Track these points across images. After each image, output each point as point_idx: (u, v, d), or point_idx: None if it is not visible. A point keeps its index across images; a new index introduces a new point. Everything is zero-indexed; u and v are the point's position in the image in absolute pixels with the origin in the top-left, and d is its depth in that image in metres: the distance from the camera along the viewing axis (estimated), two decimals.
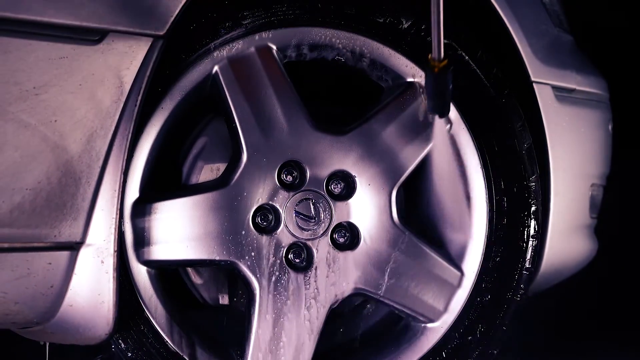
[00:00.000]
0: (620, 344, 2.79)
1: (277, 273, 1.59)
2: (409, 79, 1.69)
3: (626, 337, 2.90)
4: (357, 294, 1.65)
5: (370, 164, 1.64)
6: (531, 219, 1.75)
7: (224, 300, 1.76)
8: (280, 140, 1.59)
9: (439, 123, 1.68)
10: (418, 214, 1.79)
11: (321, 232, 1.61)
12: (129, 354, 1.54)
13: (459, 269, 1.71)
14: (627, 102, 2.92)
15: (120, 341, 1.53)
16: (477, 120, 1.72)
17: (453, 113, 1.71)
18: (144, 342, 1.54)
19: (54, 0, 1.33)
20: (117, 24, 1.38)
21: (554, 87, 1.84)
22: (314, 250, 1.61)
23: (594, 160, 1.99)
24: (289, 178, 1.60)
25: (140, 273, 1.54)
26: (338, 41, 1.65)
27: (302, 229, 1.60)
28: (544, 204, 1.78)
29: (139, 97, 1.40)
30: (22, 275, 1.34)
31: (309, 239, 1.61)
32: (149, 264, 1.54)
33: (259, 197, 1.58)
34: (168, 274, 1.65)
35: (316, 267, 1.61)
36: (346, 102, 1.86)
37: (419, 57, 1.68)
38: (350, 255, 1.63)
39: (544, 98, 1.81)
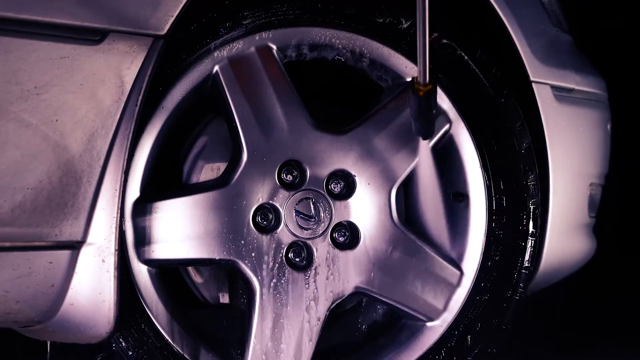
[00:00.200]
0: (620, 344, 2.79)
1: (277, 272, 1.59)
2: (409, 79, 1.69)
3: (626, 337, 2.90)
4: (357, 292, 1.65)
5: (370, 164, 1.65)
6: (530, 218, 1.76)
7: (225, 299, 1.76)
8: (281, 140, 1.60)
9: (438, 123, 1.68)
10: (418, 213, 1.79)
11: (321, 231, 1.62)
12: (130, 353, 1.54)
13: (459, 268, 1.72)
14: (627, 101, 2.93)
15: (121, 340, 1.53)
16: (476, 119, 1.73)
17: (452, 112, 1.71)
18: (145, 341, 1.55)
19: (55, 0, 1.33)
20: (118, 24, 1.38)
21: (553, 87, 1.84)
22: (314, 250, 1.61)
23: (592, 160, 2.00)
24: (289, 177, 1.60)
25: (141, 272, 1.54)
26: (338, 41, 1.66)
27: (302, 228, 1.61)
28: (543, 203, 1.79)
29: (140, 97, 1.40)
30: (23, 274, 1.34)
31: (309, 238, 1.61)
32: (149, 263, 1.54)
33: (259, 196, 1.59)
34: (169, 273, 1.65)
35: (316, 266, 1.62)
36: (346, 101, 1.87)
37: None
38: (350, 254, 1.63)
39: (543, 98, 1.81)
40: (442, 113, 1.69)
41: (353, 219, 1.64)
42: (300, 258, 1.61)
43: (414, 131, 1.59)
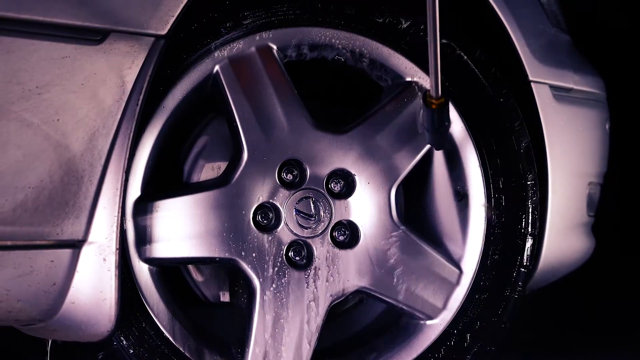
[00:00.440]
0: (620, 344, 2.79)
1: (277, 271, 1.60)
2: (408, 79, 1.70)
3: (626, 336, 2.90)
4: (357, 291, 1.65)
5: (369, 163, 1.65)
6: (529, 217, 1.76)
7: (225, 297, 1.76)
8: (281, 139, 1.60)
9: None
10: (417, 212, 1.80)
11: (321, 230, 1.62)
12: (131, 351, 1.54)
13: (458, 266, 1.72)
14: (625, 101, 2.93)
15: (122, 338, 1.53)
16: (475, 119, 1.73)
17: (452, 112, 1.72)
18: (146, 339, 1.55)
19: (56, 0, 1.34)
20: (119, 24, 1.38)
21: (552, 87, 1.85)
22: (314, 248, 1.62)
23: (591, 159, 2.00)
24: (289, 177, 1.61)
25: (142, 271, 1.54)
26: (338, 41, 1.66)
27: (303, 227, 1.61)
28: (542, 202, 1.79)
29: (141, 97, 1.40)
30: (24, 272, 1.34)
31: (309, 237, 1.62)
32: (150, 261, 1.54)
33: (260, 195, 1.59)
34: (169, 272, 1.65)
35: (316, 265, 1.62)
36: (346, 101, 1.87)
37: (418, 57, 1.69)
38: (350, 253, 1.64)
39: (542, 97, 1.81)
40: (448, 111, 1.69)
41: (353, 218, 1.65)
42: (300, 257, 1.61)
43: (427, 141, 1.61)
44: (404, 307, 1.69)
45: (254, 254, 1.58)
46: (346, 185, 1.64)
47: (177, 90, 1.55)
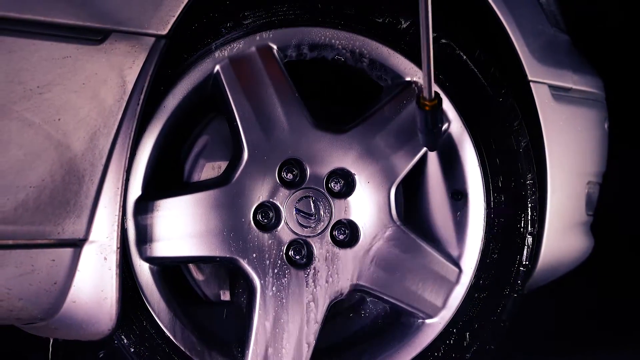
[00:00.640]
0: (620, 344, 2.79)
1: (277, 270, 1.60)
2: (408, 79, 1.70)
3: (626, 336, 2.91)
4: (356, 290, 1.66)
5: (369, 162, 1.66)
6: (528, 217, 1.77)
7: (225, 296, 1.76)
8: (281, 139, 1.61)
9: None
10: (417, 211, 1.80)
11: (321, 229, 1.63)
12: (132, 349, 1.55)
13: (457, 265, 1.73)
14: (624, 100, 2.94)
15: (123, 336, 1.54)
16: (475, 119, 1.73)
17: (451, 112, 1.72)
18: (147, 338, 1.55)
19: (57, 0, 1.34)
20: (120, 24, 1.38)
21: (551, 86, 1.85)
22: (314, 247, 1.62)
23: (590, 158, 2.01)
24: (290, 176, 1.61)
25: (143, 270, 1.54)
26: (338, 41, 1.66)
27: (303, 226, 1.62)
28: (541, 202, 1.80)
29: (142, 96, 1.40)
30: (26, 271, 1.34)
31: (309, 236, 1.62)
32: (151, 260, 1.55)
33: (260, 194, 1.59)
34: (170, 271, 1.65)
35: (316, 264, 1.62)
36: (346, 101, 1.87)
37: (418, 57, 1.69)
38: (349, 252, 1.64)
39: (541, 97, 1.82)
40: (443, 120, 1.70)
41: (353, 217, 1.65)
42: (300, 256, 1.62)
43: (421, 142, 1.61)
44: (404, 306, 1.69)
45: (254, 253, 1.59)
46: (346, 184, 1.65)
47: (178, 90, 1.56)
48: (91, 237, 1.38)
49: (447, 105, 1.72)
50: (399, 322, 1.75)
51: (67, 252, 1.37)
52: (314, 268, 1.62)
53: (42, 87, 1.33)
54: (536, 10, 1.92)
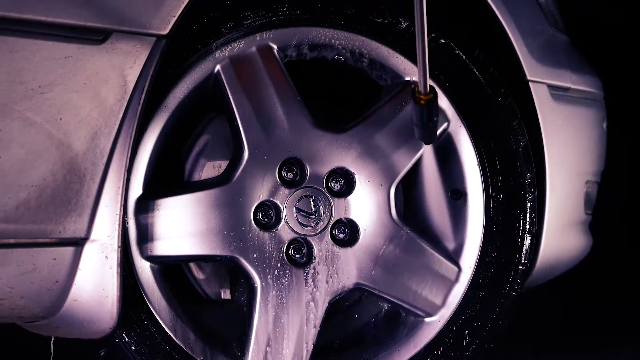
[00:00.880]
0: (620, 344, 2.79)
1: (278, 268, 1.61)
2: (407, 78, 1.71)
3: (625, 336, 2.91)
4: (356, 288, 1.66)
5: (369, 161, 1.66)
6: (527, 215, 1.77)
7: (226, 295, 1.77)
8: (281, 138, 1.61)
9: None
10: (416, 210, 1.81)
11: (321, 228, 1.63)
12: (133, 348, 1.55)
13: (457, 264, 1.73)
14: (623, 100, 2.94)
15: (124, 335, 1.54)
16: (474, 118, 1.74)
17: (450, 111, 1.73)
18: (148, 336, 1.55)
19: (58, 0, 1.35)
20: (121, 24, 1.38)
21: (550, 86, 1.85)
22: (314, 246, 1.63)
23: (589, 158, 2.01)
24: (290, 175, 1.62)
25: (144, 268, 1.55)
26: (338, 41, 1.67)
27: (303, 225, 1.62)
28: (540, 201, 1.80)
29: (142, 96, 1.41)
30: (27, 270, 1.34)
31: (309, 235, 1.63)
32: (152, 259, 1.55)
33: (260, 193, 1.60)
34: (171, 269, 1.66)
35: (316, 262, 1.63)
36: (346, 100, 1.88)
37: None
38: (349, 250, 1.65)
39: (540, 97, 1.82)
40: (441, 112, 1.71)
41: (353, 216, 1.66)
42: (300, 255, 1.62)
43: (417, 137, 1.62)
44: (403, 305, 1.70)
45: (254, 252, 1.59)
46: (346, 183, 1.65)
47: (179, 90, 1.56)
48: (92, 236, 1.39)
49: (446, 105, 1.72)
50: (399, 320, 1.76)
51: (69, 250, 1.37)
52: (314, 267, 1.63)
53: (44, 86, 1.33)
54: (535, 10, 1.92)
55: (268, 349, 1.59)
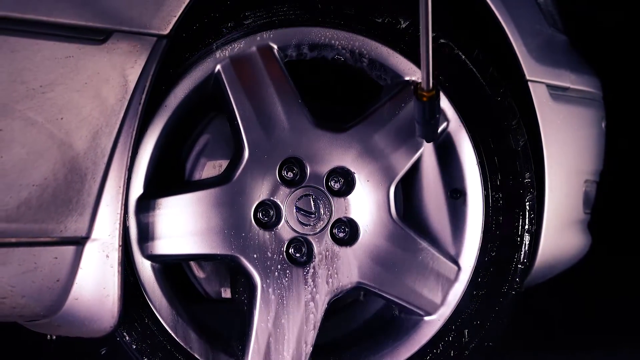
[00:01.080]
0: (618, 343, 2.79)
1: (278, 267, 1.61)
2: (407, 78, 1.71)
3: (624, 336, 2.91)
4: (356, 287, 1.66)
5: (369, 161, 1.67)
6: (526, 215, 1.77)
7: (226, 293, 1.77)
8: (281, 138, 1.61)
9: None
10: (416, 210, 1.81)
11: (321, 227, 1.64)
12: (134, 346, 1.55)
13: (456, 263, 1.73)
14: (622, 99, 2.95)
15: (125, 333, 1.55)
16: (473, 118, 1.74)
17: (450, 111, 1.73)
18: (149, 335, 1.56)
19: (59, 0, 1.35)
20: (122, 24, 1.39)
21: (549, 86, 1.85)
22: (314, 245, 1.63)
23: (587, 157, 2.01)
24: (290, 174, 1.62)
25: (145, 267, 1.55)
26: (338, 41, 1.67)
27: (303, 224, 1.63)
28: (539, 200, 1.80)
29: (143, 96, 1.41)
30: (29, 269, 1.35)
31: (309, 234, 1.63)
32: (153, 258, 1.56)
33: (261, 193, 1.60)
34: (171, 268, 1.66)
35: (316, 261, 1.63)
36: (346, 100, 1.88)
37: (417, 57, 1.70)
38: (349, 250, 1.65)
39: (539, 96, 1.82)
40: (440, 111, 1.71)
41: (352, 215, 1.66)
42: (300, 254, 1.62)
43: (418, 134, 1.62)
44: (403, 303, 1.70)
45: (254, 251, 1.59)
46: (346, 183, 1.66)
47: (179, 90, 1.56)
48: (93, 235, 1.39)
49: (445, 105, 1.72)
50: (399, 319, 1.76)
51: (70, 249, 1.38)
52: (314, 266, 1.63)
53: (45, 86, 1.33)
54: (534, 10, 1.93)
55: (268, 347, 1.60)
